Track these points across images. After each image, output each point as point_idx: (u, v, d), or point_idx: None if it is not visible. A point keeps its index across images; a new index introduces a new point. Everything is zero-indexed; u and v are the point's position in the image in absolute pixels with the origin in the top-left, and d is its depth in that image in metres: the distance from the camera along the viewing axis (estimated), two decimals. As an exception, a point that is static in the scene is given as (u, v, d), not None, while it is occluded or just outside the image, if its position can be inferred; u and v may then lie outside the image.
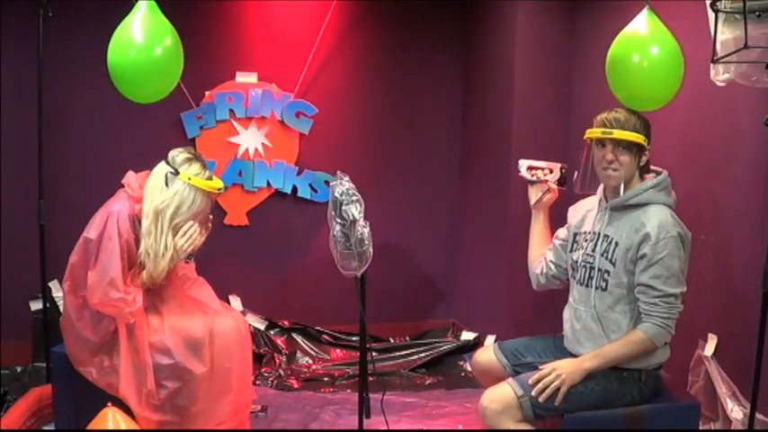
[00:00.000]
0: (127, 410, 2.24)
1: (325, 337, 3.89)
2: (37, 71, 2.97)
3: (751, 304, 2.20)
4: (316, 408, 3.17)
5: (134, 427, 2.18)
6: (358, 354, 2.60)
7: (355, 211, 2.33)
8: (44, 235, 3.02)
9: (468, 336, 3.88)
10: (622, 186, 2.17)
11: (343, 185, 2.38)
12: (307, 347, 3.84)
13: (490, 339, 3.66)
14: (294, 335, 3.86)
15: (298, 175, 3.86)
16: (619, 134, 2.14)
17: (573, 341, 2.28)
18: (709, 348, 2.44)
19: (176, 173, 2.33)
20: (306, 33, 3.82)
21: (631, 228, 2.15)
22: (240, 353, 2.42)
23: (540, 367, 2.15)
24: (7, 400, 2.98)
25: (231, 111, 3.75)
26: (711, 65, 2.01)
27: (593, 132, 2.20)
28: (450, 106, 4.12)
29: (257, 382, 3.43)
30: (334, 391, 3.44)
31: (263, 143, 3.81)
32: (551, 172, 2.47)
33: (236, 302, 3.79)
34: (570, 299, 2.36)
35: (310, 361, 3.79)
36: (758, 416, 2.12)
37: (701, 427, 2.34)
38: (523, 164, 2.51)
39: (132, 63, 2.35)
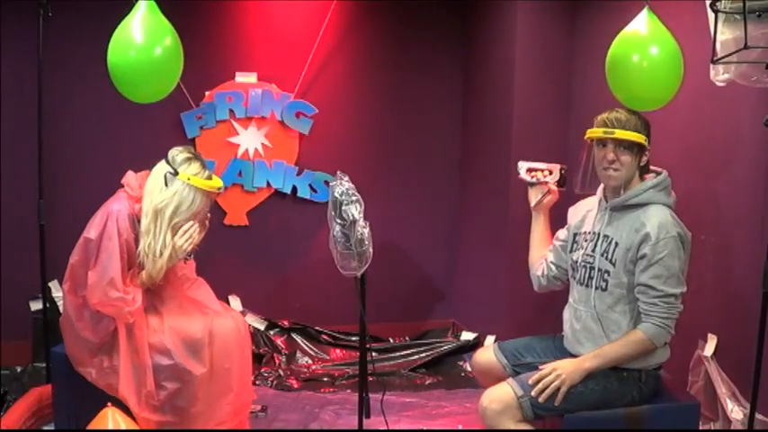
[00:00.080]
0: (127, 411, 2.24)
1: (325, 337, 3.89)
2: (37, 71, 2.97)
3: (751, 304, 2.20)
4: (316, 408, 3.17)
5: (134, 427, 2.18)
6: (358, 354, 2.59)
7: (355, 211, 2.33)
8: (44, 235, 3.02)
9: (468, 336, 3.88)
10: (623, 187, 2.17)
11: (342, 185, 2.38)
12: (306, 347, 3.84)
13: (490, 339, 3.66)
14: (294, 335, 3.86)
15: (297, 175, 3.86)
16: (620, 134, 2.13)
17: (573, 341, 2.28)
18: (709, 348, 2.44)
19: (176, 173, 2.33)
20: (306, 33, 3.82)
21: (631, 228, 2.14)
22: (240, 353, 2.42)
23: (540, 367, 2.15)
24: (7, 400, 2.98)
25: (231, 111, 3.74)
26: (711, 65, 2.01)
27: (595, 132, 2.20)
28: (450, 106, 4.12)
29: (257, 383, 3.42)
30: (334, 391, 3.44)
31: (262, 143, 3.81)
32: (551, 173, 2.46)
33: (235, 303, 3.79)
34: (570, 299, 2.36)
35: (310, 361, 3.78)
36: (758, 416, 2.12)
37: (700, 428, 2.34)
38: (523, 166, 2.50)
39: (132, 63, 2.35)
